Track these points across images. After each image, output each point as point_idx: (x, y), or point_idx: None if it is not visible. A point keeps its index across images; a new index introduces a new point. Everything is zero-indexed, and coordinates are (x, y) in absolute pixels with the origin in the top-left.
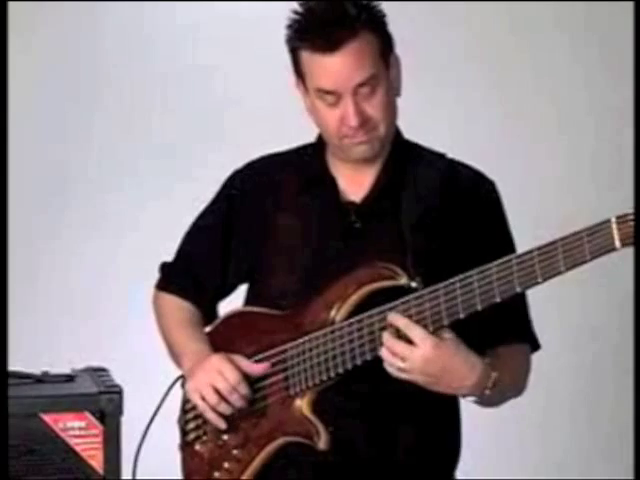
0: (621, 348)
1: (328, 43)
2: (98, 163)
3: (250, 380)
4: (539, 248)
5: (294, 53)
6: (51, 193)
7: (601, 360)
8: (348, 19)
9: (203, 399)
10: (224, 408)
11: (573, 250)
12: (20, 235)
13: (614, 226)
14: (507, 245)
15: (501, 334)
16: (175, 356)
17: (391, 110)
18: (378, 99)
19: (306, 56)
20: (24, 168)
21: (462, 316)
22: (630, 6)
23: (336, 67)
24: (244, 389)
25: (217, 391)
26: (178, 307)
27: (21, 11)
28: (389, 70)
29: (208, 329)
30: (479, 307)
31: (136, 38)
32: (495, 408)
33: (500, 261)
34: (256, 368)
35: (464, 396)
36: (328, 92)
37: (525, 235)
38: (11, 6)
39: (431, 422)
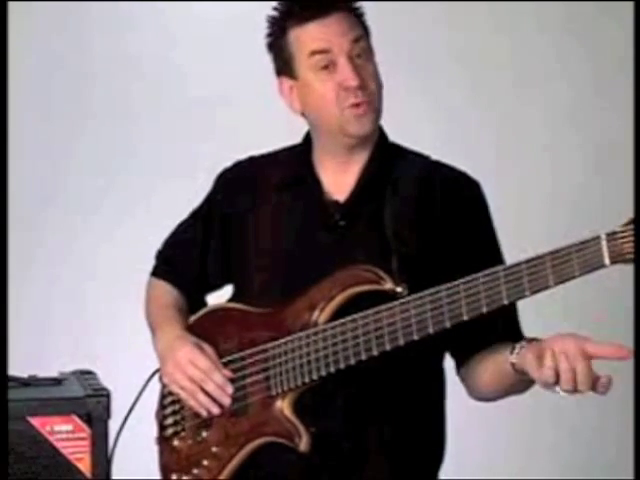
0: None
1: (318, 10)
2: (83, 166)
3: (231, 379)
4: (527, 261)
5: (279, 41)
6: (35, 196)
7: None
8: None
9: (183, 389)
10: (203, 399)
11: (562, 265)
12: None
13: (604, 243)
14: (492, 246)
15: (495, 335)
16: (153, 333)
17: (381, 88)
18: (371, 67)
19: (295, 32)
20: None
21: (448, 325)
22: (627, 6)
23: (328, 28)
24: (219, 377)
25: (192, 379)
26: (164, 292)
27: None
28: (374, 55)
29: (190, 321)
30: (465, 317)
31: (121, 40)
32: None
33: (487, 272)
34: (222, 372)
35: None
36: (322, 52)
37: (510, 235)
38: None
39: (413, 423)
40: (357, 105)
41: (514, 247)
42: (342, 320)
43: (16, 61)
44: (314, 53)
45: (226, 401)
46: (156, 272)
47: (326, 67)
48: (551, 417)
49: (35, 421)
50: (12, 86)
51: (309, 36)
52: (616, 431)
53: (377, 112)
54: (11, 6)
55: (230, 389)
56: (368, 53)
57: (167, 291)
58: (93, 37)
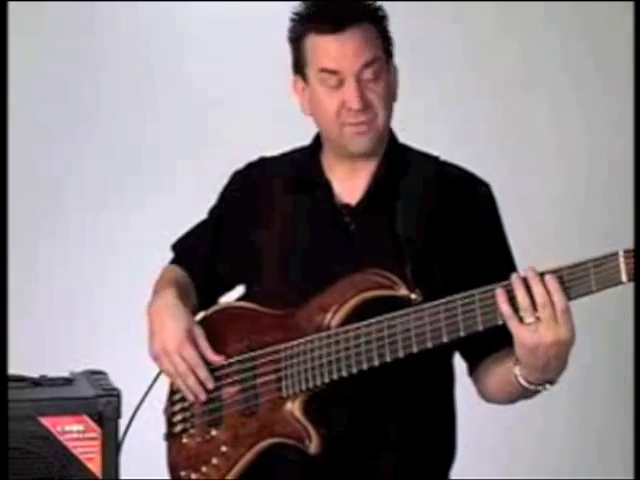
0: (617, 350)
1: (335, 24)
2: (91, 168)
3: (240, 377)
4: (542, 274)
5: (298, 42)
6: (48, 196)
7: (597, 363)
8: (354, 10)
9: (165, 370)
10: (183, 386)
11: (579, 280)
12: (17, 239)
13: (621, 259)
14: (503, 248)
15: (506, 338)
16: None
17: (390, 106)
18: (380, 87)
19: (311, 39)
20: (19, 171)
21: (463, 334)
22: (628, 6)
23: (341, 46)
24: (202, 373)
25: (176, 369)
26: (173, 270)
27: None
28: (389, 70)
29: (200, 317)
30: (480, 327)
31: (131, 40)
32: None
33: (505, 283)
34: (213, 357)
35: (548, 382)
36: (331, 72)
37: (520, 237)
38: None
39: (423, 422)
40: (357, 124)
41: (522, 246)
42: (356, 325)
43: (26, 61)
44: (323, 70)
45: (202, 397)
46: (171, 262)
47: (334, 85)
48: (561, 419)
49: (46, 421)
50: (20, 86)
51: (322, 51)
52: (612, 431)
53: (379, 131)
54: (21, 6)
55: (211, 385)
56: (381, 72)
57: (177, 271)
58: (103, 37)
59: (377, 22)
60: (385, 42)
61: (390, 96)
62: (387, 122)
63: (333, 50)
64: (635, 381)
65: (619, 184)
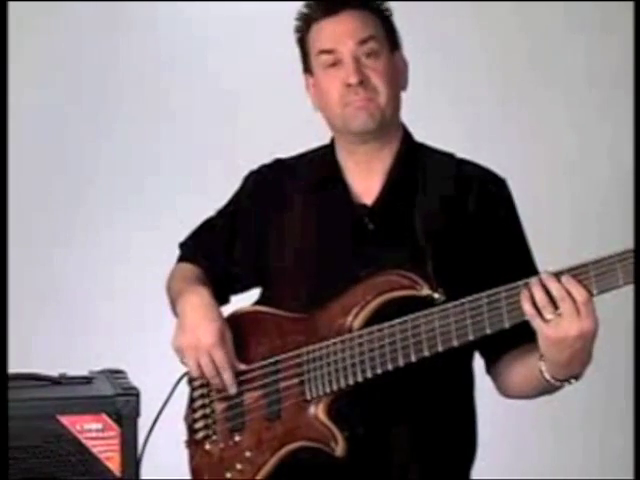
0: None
1: (330, 8)
2: (108, 169)
3: (262, 382)
4: (569, 270)
5: (302, 40)
6: (65, 199)
7: (616, 360)
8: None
9: (188, 365)
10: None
11: (605, 274)
12: (35, 239)
13: None
14: (522, 244)
15: (525, 335)
16: (173, 304)
17: (394, 88)
18: (380, 68)
19: (312, 30)
20: (40, 174)
21: (489, 332)
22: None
23: (336, 26)
24: (228, 377)
25: (200, 369)
26: (187, 267)
27: (34, 12)
28: (392, 56)
29: None
30: (507, 325)
31: (143, 39)
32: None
33: (526, 281)
34: (237, 365)
35: (573, 377)
36: (328, 52)
37: (535, 234)
38: (21, 6)
39: (444, 422)
40: (358, 100)
41: (537, 242)
42: (379, 326)
43: (44, 60)
44: (321, 52)
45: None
46: (181, 260)
47: (333, 65)
48: (581, 421)
49: (65, 419)
50: (38, 85)
51: (319, 34)
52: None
53: (380, 108)
54: (39, 6)
55: (234, 390)
56: (380, 52)
57: (191, 268)
58: (118, 36)
59: (376, 11)
60: (387, 30)
61: (393, 78)
62: (390, 103)
63: (328, 30)
64: (635, 381)
65: (635, 182)
